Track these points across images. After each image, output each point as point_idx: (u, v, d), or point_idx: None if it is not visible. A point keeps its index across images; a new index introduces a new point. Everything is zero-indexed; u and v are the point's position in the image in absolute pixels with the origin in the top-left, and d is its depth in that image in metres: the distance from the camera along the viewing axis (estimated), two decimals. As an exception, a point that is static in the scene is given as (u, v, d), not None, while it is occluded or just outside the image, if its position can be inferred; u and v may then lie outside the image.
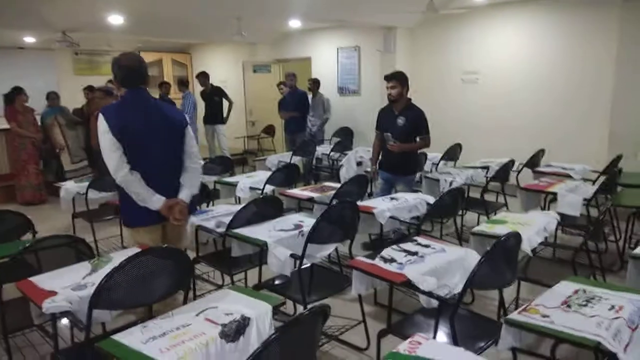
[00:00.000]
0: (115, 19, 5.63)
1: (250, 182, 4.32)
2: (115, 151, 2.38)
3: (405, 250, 2.37)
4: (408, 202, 3.39)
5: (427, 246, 2.44)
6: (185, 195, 2.57)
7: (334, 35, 8.13)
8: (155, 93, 8.43)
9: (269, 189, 4.27)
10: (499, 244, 2.02)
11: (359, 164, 5.23)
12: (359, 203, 3.18)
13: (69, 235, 2.70)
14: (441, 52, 7.03)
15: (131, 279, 1.85)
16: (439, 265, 2.20)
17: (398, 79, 4.03)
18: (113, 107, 2.51)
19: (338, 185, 4.19)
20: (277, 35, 8.73)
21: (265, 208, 3.08)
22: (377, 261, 2.24)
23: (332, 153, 6.26)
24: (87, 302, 1.83)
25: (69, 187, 4.20)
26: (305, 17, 7.16)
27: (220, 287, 3.53)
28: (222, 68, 9.90)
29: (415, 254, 2.33)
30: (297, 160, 5.89)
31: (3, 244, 2.82)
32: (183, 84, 7.74)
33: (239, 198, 4.33)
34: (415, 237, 2.63)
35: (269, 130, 8.82)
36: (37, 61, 9.00)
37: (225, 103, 7.96)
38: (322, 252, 2.68)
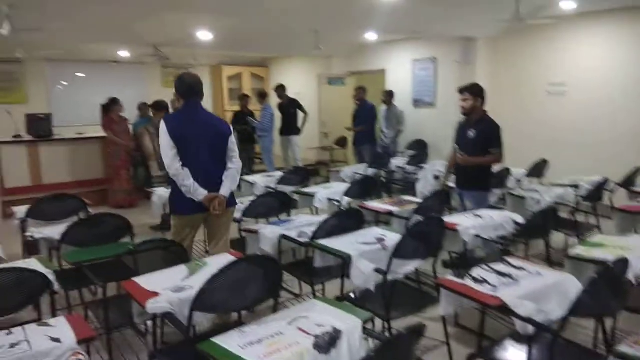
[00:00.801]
0: (205, 35, 5.95)
1: (328, 193, 4.38)
2: (171, 150, 2.92)
3: (496, 272, 2.28)
4: (494, 220, 3.26)
5: (520, 268, 2.33)
6: (225, 191, 3.05)
7: (409, 47, 8.08)
8: (235, 105, 8.77)
9: (346, 200, 4.30)
10: (607, 270, 1.89)
11: (436, 178, 5.12)
12: (442, 219, 3.10)
13: (166, 239, 2.86)
14: (525, 63, 6.73)
15: (229, 284, 1.93)
16: (536, 290, 2.09)
17: (471, 92, 3.93)
18: (173, 115, 3.18)
19: (415, 199, 4.13)
20: (352, 48, 8.82)
21: (346, 220, 3.10)
22: (468, 281, 2.17)
23: (407, 166, 6.18)
24: (187, 304, 1.93)
25: (162, 194, 4.47)
26: (382, 30, 7.17)
27: (298, 296, 3.58)
28: (298, 81, 10.14)
29: (508, 276, 2.23)
30: (371, 172, 5.89)
31: (105, 245, 3.06)
32: (262, 96, 8.00)
33: (316, 208, 4.40)
34: (505, 258, 2.52)
35: (342, 142, 8.89)
36: (129, 74, 9.74)
37: (300, 115, 8.16)
38: (406, 268, 2.64)
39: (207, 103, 8.23)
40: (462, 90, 3.98)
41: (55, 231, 3.22)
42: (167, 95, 8.96)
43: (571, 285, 2.17)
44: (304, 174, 5.23)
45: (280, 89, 8.24)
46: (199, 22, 5.70)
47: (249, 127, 7.97)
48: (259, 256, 2.25)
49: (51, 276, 2.32)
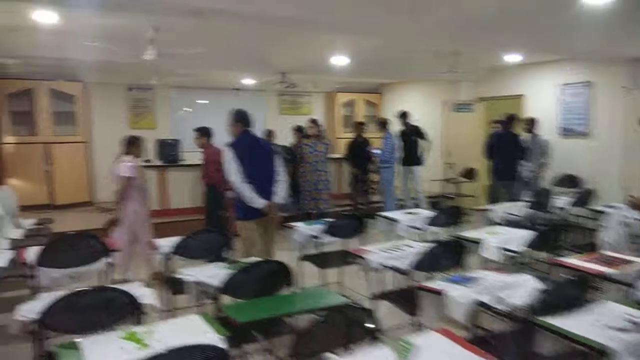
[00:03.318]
0: (340, 60, 5.60)
1: (499, 241, 3.65)
2: (234, 166, 3.75)
3: None
4: None
5: None
6: (277, 199, 3.89)
7: (555, 70, 7.15)
8: (348, 132, 8.23)
9: (520, 250, 3.55)
10: None
11: (626, 225, 4.17)
12: None
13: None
14: None
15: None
16: None
17: None
18: (236, 141, 3.87)
19: (636, 258, 3.22)
20: (483, 71, 8.06)
21: (569, 290, 2.38)
22: None
23: (571, 207, 5.22)
24: None
25: (303, 230, 4.05)
26: (529, 50, 6.37)
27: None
28: (414, 107, 9.50)
29: None
30: (525, 213, 5.03)
31: (267, 297, 2.63)
32: (383, 124, 7.50)
33: (484, 259, 3.68)
34: None
35: (469, 174, 8.06)
36: (248, 101, 9.73)
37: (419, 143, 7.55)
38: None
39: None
40: None
41: (204, 273, 2.88)
42: (284, 122, 8.94)
43: None
44: (455, 213, 4.55)
45: (404, 116, 7.69)
46: (338, 46, 5.37)
47: (364, 156, 7.46)
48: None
49: (224, 344, 1.90)
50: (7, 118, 7.53)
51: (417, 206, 7.91)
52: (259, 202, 3.76)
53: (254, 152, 3.90)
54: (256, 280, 2.66)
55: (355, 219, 4.16)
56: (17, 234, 5.06)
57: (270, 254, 4.05)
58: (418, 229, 4.36)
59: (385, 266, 3.18)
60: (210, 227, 5.27)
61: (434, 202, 8.05)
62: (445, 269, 3.16)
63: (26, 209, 6.73)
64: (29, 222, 5.60)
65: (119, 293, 2.22)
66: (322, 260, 4.10)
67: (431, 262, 3.07)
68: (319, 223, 4.24)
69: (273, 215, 3.88)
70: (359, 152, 7.54)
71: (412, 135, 7.66)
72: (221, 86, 9.27)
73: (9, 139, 7.51)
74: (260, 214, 3.82)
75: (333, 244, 4.15)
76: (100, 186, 8.36)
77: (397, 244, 3.58)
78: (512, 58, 6.89)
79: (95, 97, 8.39)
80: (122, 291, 2.22)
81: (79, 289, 2.19)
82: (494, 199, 7.06)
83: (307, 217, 6.90)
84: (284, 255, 5.03)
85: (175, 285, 3.32)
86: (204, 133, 5.80)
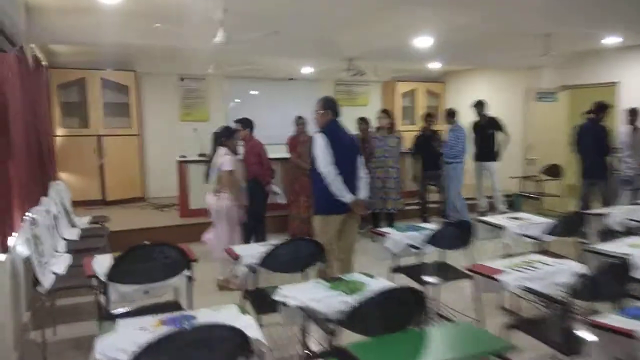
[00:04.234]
0: (423, 42, 4.93)
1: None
2: (328, 155, 3.45)
3: None
4: None
5: None
6: (363, 195, 3.63)
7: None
8: (407, 125, 7.49)
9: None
10: None
11: None
12: None
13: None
14: None
15: None
16: None
17: None
18: (328, 129, 3.56)
19: None
20: (569, 55, 7.19)
21: None
22: None
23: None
24: None
25: (397, 238, 3.43)
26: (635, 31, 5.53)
27: None
28: (484, 97, 8.74)
29: None
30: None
31: (397, 334, 2.03)
32: (452, 115, 6.73)
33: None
34: None
35: (553, 171, 7.22)
36: (303, 92, 9.20)
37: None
38: None
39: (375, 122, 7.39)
40: None
41: (307, 295, 2.30)
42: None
43: None
44: (576, 220, 3.83)
45: (480, 106, 6.95)
46: (423, 25, 4.71)
47: (435, 151, 6.72)
48: None
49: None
50: (59, 110, 7.22)
51: (492, 206, 7.20)
52: (348, 196, 3.50)
53: (342, 143, 3.59)
54: (384, 312, 2.07)
55: (460, 227, 3.50)
56: (72, 234, 4.68)
57: (349, 259, 3.80)
58: (534, 238, 3.67)
59: (530, 291, 2.54)
60: (253, 223, 4.99)
61: (510, 201, 7.29)
62: (609, 298, 2.48)
63: (78, 204, 6.41)
64: (83, 220, 5.24)
65: (227, 331, 1.68)
66: (418, 273, 3.48)
67: (594, 289, 2.40)
68: (413, 229, 3.64)
69: (360, 213, 3.67)
70: (426, 146, 6.82)
71: (488, 127, 6.91)
72: (274, 76, 8.74)
73: (61, 131, 7.21)
74: (345, 209, 3.55)
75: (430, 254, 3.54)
76: (152, 181, 8.01)
77: (527, 259, 2.92)
78: (610, 40, 6.05)
79: (147, 87, 7.99)
80: (231, 328, 1.68)
81: (177, 331, 1.66)
82: (583, 199, 6.33)
83: (374, 217, 6.32)
84: (366, 263, 4.47)
85: (261, 303, 2.80)
86: (246, 125, 5.31)
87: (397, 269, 3.59)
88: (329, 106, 3.64)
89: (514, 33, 5.35)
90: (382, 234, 3.55)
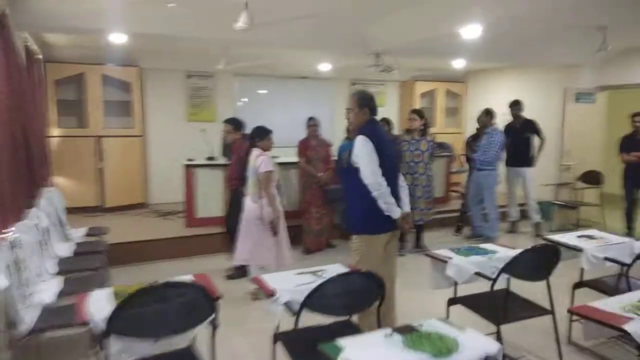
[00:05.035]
0: (471, 31, 4.33)
1: None
2: (375, 160, 2.85)
3: None
4: None
5: None
6: (408, 208, 3.08)
7: None
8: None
9: None
10: None
11: None
12: None
13: None
14: None
15: None
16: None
17: None
18: (369, 131, 2.92)
19: None
20: (611, 53, 6.59)
21: None
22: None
23: None
24: None
25: (462, 265, 2.83)
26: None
27: None
28: (506, 97, 8.12)
29: None
30: None
31: None
32: (490, 117, 6.06)
33: None
34: None
35: (592, 177, 6.61)
36: (315, 91, 8.63)
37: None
38: None
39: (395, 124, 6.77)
40: None
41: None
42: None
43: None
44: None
45: (517, 107, 6.35)
46: (467, 14, 4.11)
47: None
48: None
49: None
50: (55, 108, 6.59)
51: (524, 216, 6.59)
52: (396, 210, 2.92)
53: (385, 146, 2.97)
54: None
55: (544, 253, 2.83)
56: (65, 249, 4.06)
57: (392, 290, 3.11)
58: (620, 263, 3.06)
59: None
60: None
61: (544, 211, 6.68)
62: None
63: (74, 211, 5.81)
64: (78, 233, 4.62)
65: None
66: (481, 305, 2.89)
67: None
68: (476, 253, 3.05)
69: (407, 229, 3.17)
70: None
71: (524, 130, 6.31)
72: (287, 74, 8.13)
73: (57, 131, 6.58)
74: (393, 227, 2.97)
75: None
76: (154, 186, 7.40)
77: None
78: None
79: (151, 84, 7.36)
80: None
81: None
82: (627, 210, 5.83)
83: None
84: (415, 291, 3.87)
85: (301, 351, 2.20)
86: (237, 126, 4.73)
87: (454, 300, 3.01)
88: (366, 103, 3.01)
89: (570, 26, 4.76)
90: (443, 260, 2.94)
